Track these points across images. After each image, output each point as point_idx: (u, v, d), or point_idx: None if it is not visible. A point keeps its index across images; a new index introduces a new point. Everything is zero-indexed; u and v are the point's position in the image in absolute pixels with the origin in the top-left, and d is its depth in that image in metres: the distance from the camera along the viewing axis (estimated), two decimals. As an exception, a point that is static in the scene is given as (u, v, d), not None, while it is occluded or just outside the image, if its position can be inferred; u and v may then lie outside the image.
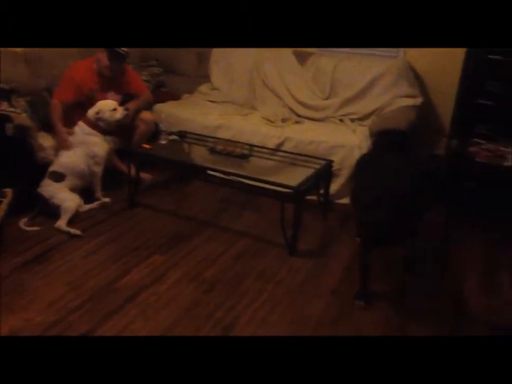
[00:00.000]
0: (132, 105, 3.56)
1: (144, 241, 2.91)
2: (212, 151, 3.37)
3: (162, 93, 4.47)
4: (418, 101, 3.73)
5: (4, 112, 3.18)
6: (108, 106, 3.29)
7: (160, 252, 2.79)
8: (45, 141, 3.29)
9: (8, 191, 2.85)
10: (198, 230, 3.08)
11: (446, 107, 3.79)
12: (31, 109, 3.57)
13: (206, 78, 4.72)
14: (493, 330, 2.24)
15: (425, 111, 3.80)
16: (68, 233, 2.92)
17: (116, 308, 2.29)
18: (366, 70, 3.93)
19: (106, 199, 3.35)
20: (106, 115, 3.26)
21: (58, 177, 3.14)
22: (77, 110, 3.42)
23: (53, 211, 3.03)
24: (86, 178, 3.28)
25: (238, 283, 2.55)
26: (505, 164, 3.11)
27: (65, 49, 3.82)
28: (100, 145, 3.29)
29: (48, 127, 3.47)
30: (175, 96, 4.49)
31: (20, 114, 3.33)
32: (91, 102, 3.47)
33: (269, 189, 2.90)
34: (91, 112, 3.28)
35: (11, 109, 3.36)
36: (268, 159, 3.39)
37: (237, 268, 2.69)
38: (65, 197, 3.08)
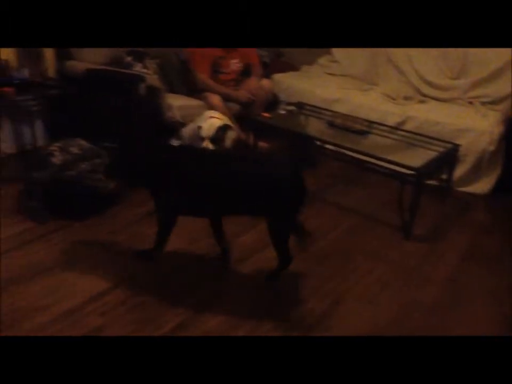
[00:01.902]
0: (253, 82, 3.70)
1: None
2: (330, 124, 3.34)
3: (281, 63, 4.50)
4: None
5: (138, 73, 3.40)
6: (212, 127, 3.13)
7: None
8: (173, 101, 3.46)
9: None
10: (307, 201, 3.08)
11: None
12: (161, 71, 3.79)
13: (326, 49, 4.65)
14: None
15: None
16: None
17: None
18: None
19: None
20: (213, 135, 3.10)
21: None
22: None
23: None
24: None
25: (347, 259, 2.54)
26: None
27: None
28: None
29: (175, 89, 3.67)
30: (293, 67, 4.49)
31: (151, 75, 3.54)
32: (216, 68, 3.60)
33: (388, 168, 2.82)
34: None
35: (144, 70, 3.58)
36: (386, 137, 3.29)
37: (346, 245, 2.67)
38: None
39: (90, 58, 3.45)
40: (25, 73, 3.25)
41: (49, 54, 3.46)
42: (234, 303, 2.15)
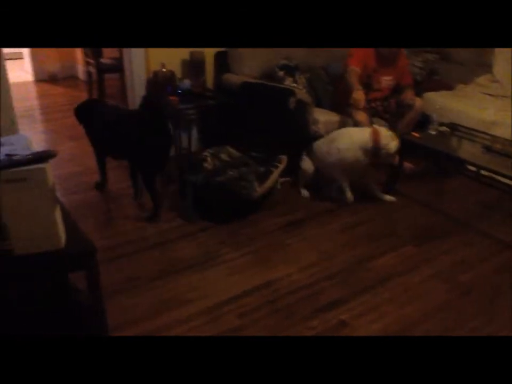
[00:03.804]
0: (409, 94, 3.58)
1: (398, 229, 2.87)
2: (487, 149, 3.08)
3: (434, 82, 4.28)
4: None
5: (289, 87, 3.51)
6: (384, 140, 2.98)
7: (414, 243, 2.72)
8: (319, 115, 3.50)
9: (283, 158, 3.14)
10: (455, 229, 2.89)
11: None
12: (309, 85, 3.86)
13: (486, 68, 4.33)
14: None
15: None
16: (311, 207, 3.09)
17: (367, 286, 2.34)
18: None
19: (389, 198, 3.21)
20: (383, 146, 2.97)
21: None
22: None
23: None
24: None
25: (496, 297, 2.31)
26: None
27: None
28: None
29: (322, 103, 3.71)
30: (448, 86, 4.25)
31: (300, 90, 3.63)
32: (368, 81, 3.56)
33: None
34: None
35: (294, 85, 3.68)
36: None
37: (498, 281, 2.43)
38: (304, 163, 3.22)
39: (246, 72, 3.65)
40: (188, 84, 3.55)
41: (209, 67, 3.74)
42: (376, 323, 2.10)
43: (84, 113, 3.07)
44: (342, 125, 3.51)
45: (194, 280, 2.35)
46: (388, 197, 3.22)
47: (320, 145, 3.21)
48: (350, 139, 3.09)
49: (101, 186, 3.24)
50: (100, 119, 2.97)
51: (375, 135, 2.99)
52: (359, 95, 3.32)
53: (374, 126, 3.15)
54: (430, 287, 2.36)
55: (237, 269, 2.46)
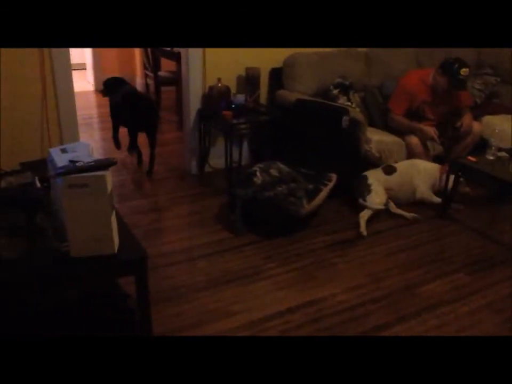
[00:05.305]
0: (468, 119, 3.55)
1: (450, 255, 2.78)
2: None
3: (494, 105, 4.16)
4: None
5: (343, 106, 3.50)
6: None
7: (465, 271, 2.62)
8: (372, 135, 3.45)
9: (333, 176, 3.12)
10: (510, 258, 2.77)
11: None
12: (363, 104, 3.84)
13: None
14: None
15: None
16: (359, 227, 2.97)
17: (413, 312, 2.27)
18: None
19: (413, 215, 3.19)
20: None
21: (390, 170, 3.28)
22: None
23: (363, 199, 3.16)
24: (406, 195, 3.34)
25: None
26: None
27: (401, 49, 3.99)
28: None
29: (375, 122, 3.68)
30: (508, 109, 4.10)
31: (354, 108, 3.61)
32: (419, 112, 3.51)
33: None
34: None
35: (348, 103, 3.67)
36: None
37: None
38: (376, 193, 3.15)
39: (299, 89, 3.67)
40: (242, 99, 3.61)
41: (263, 82, 3.79)
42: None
43: (110, 86, 3.89)
44: (395, 145, 3.47)
45: (239, 293, 2.37)
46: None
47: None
48: (427, 178, 3.35)
49: (117, 145, 4.00)
50: (116, 94, 3.76)
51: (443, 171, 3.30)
52: (425, 130, 3.46)
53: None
54: (480, 317, 2.26)
55: (282, 285, 2.45)
